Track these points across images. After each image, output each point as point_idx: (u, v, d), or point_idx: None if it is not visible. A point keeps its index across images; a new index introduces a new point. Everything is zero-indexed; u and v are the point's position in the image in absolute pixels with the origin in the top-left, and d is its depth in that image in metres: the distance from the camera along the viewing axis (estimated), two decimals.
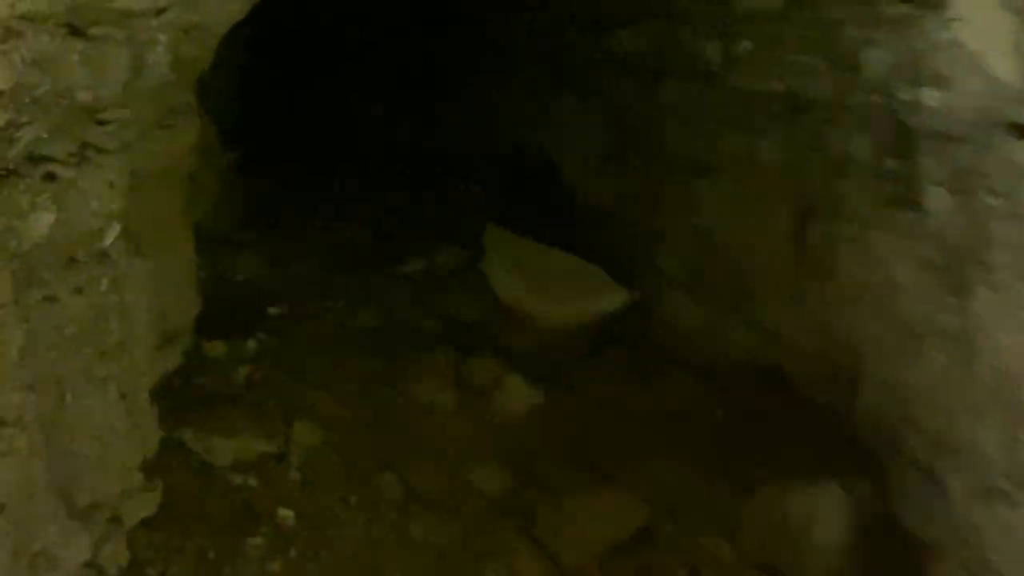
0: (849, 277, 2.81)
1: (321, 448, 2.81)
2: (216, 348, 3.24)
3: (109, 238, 2.07)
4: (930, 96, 2.24)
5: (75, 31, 1.57)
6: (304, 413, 2.95)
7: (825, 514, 2.59)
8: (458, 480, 2.79)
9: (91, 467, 2.07)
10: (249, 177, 4.88)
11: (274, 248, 4.26)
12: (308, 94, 6.87)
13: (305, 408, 2.98)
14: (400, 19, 6.78)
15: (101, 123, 1.97)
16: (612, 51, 4.44)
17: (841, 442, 2.73)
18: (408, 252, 4.42)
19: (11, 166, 1.64)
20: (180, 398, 2.85)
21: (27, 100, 1.57)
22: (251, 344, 3.32)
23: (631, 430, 3.13)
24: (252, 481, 2.60)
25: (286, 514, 2.53)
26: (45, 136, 1.70)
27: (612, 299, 3.89)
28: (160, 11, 1.82)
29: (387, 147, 6.39)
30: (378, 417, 3.03)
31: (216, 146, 4.18)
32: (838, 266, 2.85)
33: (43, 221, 1.72)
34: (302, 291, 3.89)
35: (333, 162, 5.95)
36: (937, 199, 2.32)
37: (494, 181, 5.53)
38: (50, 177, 1.75)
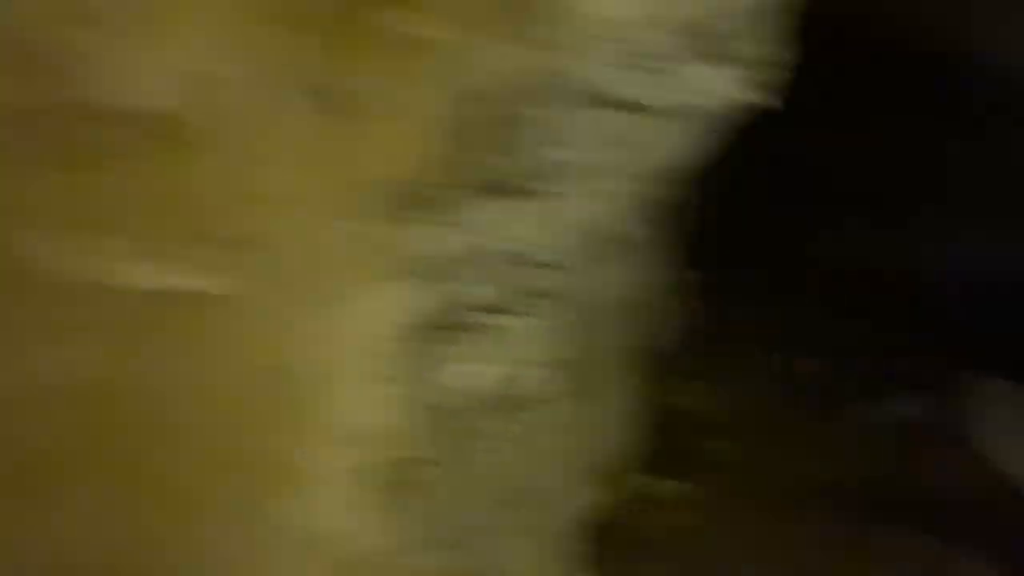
0: None
1: None
2: (645, 488, 3.07)
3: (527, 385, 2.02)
4: None
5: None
6: None
7: None
8: None
9: None
10: (708, 295, 4.73)
11: (724, 377, 3.99)
12: (782, 202, 6.52)
13: None
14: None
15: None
16: None
17: None
18: (875, 393, 3.80)
19: None
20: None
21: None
22: (675, 486, 3.08)
23: None
24: None
25: None
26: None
27: None
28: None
29: (864, 266, 5.70)
30: None
31: (679, 265, 4.09)
32: None
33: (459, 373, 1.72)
34: (744, 429, 3.55)
35: (799, 280, 5.48)
36: None
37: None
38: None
